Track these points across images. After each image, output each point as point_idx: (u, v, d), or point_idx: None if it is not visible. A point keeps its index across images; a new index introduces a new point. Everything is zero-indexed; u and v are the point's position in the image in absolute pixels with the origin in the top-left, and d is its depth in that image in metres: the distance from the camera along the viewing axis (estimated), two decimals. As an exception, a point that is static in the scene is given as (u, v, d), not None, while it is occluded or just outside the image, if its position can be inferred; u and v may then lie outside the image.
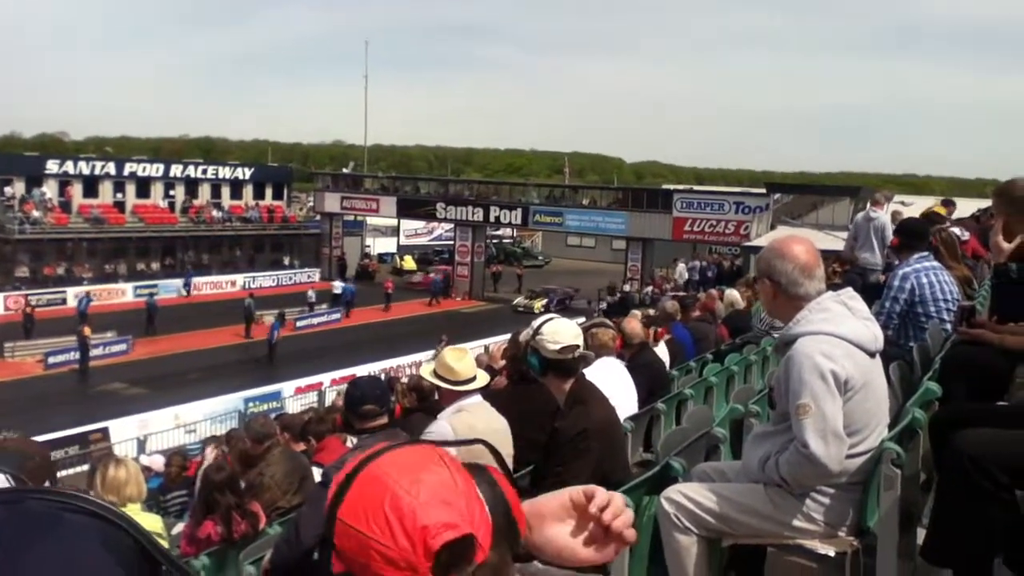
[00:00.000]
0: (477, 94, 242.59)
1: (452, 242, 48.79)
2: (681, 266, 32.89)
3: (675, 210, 39.73)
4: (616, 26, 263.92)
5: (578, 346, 4.09)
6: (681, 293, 17.92)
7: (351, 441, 5.43)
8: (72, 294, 39.07)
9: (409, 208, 49.27)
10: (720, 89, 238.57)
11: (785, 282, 2.97)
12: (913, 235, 5.92)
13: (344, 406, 4.30)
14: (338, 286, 41.98)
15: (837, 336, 2.85)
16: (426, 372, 4.77)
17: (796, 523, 2.88)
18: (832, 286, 3.15)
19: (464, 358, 4.50)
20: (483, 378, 4.65)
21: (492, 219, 45.70)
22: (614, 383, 5.16)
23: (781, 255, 2.99)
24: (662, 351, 7.71)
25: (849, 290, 3.07)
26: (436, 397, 5.16)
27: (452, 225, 48.39)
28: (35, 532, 0.70)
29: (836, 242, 19.98)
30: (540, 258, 60.02)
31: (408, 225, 57.64)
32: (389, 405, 4.31)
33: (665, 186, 61.81)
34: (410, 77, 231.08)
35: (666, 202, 40.85)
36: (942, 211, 10.81)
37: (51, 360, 28.78)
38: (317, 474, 5.20)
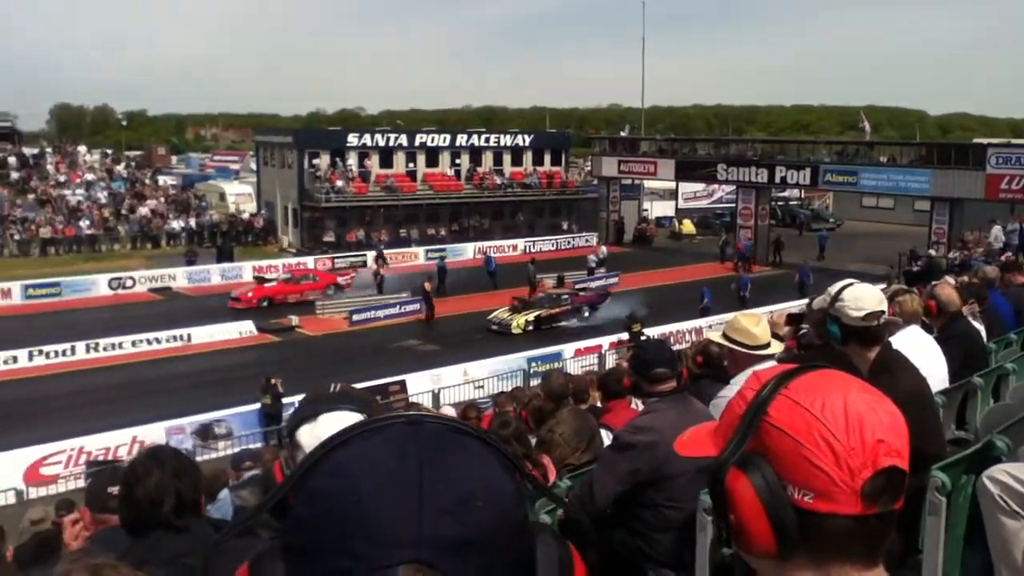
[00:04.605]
0: (760, 49, 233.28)
1: (734, 205, 47.39)
2: (997, 229, 29.53)
3: (989, 166, 35.69)
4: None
5: (883, 312, 3.80)
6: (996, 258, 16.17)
7: (636, 404, 5.42)
8: (370, 257, 42.55)
9: (688, 170, 48.35)
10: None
11: None
12: None
13: (633, 369, 4.27)
14: (603, 251, 42.22)
15: None
16: (716, 336, 4.69)
17: None
18: None
19: (761, 322, 4.40)
20: (777, 345, 4.52)
21: (778, 180, 43.67)
22: (922, 354, 4.74)
23: None
24: (977, 321, 6.98)
25: None
26: (725, 363, 5.03)
27: (734, 187, 46.99)
28: (443, 445, 0.80)
29: None
30: (831, 220, 56.64)
31: (687, 188, 56.70)
32: (678, 368, 4.22)
33: (976, 140, 56.04)
34: (688, 35, 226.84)
35: (978, 158, 36.76)
36: None
37: (355, 317, 31.46)
38: (605, 436, 5.23)
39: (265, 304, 33.20)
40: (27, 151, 53.28)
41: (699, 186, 56.02)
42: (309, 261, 41.93)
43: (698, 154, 49.49)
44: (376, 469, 0.77)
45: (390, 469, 0.77)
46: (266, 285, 35.10)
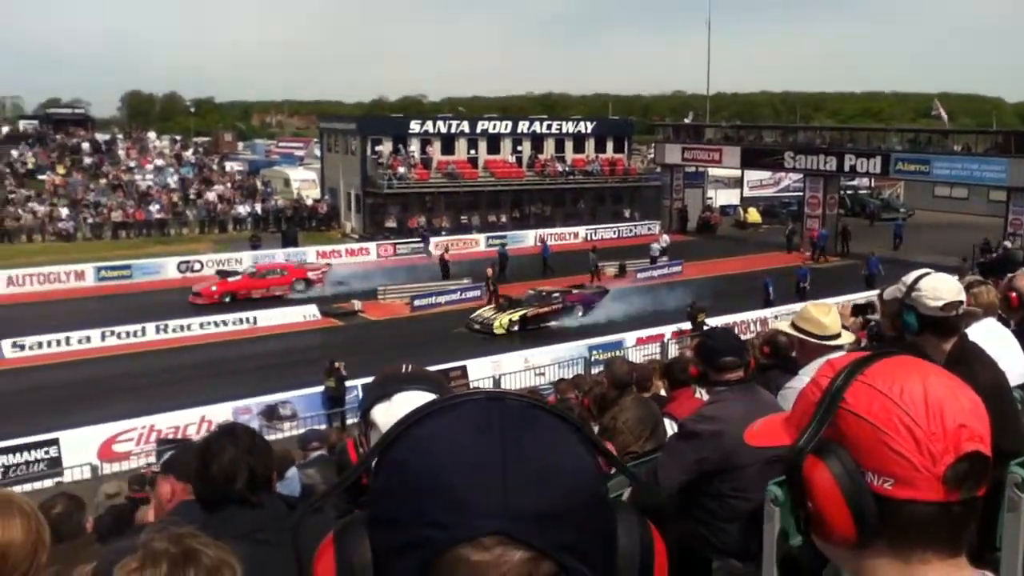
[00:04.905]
0: (829, 34, 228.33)
1: (801, 193, 46.54)
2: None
3: (1069, 155, 34.64)
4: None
5: (961, 303, 3.70)
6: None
7: (701, 393, 5.37)
8: (433, 244, 42.80)
9: (754, 158, 47.58)
10: None
11: None
12: None
13: (700, 357, 4.23)
14: (665, 239, 41.72)
15: None
16: (784, 326, 4.64)
17: None
18: None
19: (831, 312, 4.32)
20: (847, 336, 4.45)
21: (847, 168, 42.70)
22: (999, 346, 4.61)
23: None
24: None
25: None
26: (793, 353, 4.97)
27: (801, 176, 46.13)
28: (523, 420, 0.81)
29: None
30: (902, 210, 55.33)
31: (752, 176, 55.81)
32: (746, 358, 4.17)
33: (1055, 127, 54.15)
34: (755, 20, 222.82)
35: (1058, 146, 35.70)
36: None
37: (416, 303, 31.71)
38: (668, 425, 5.20)
39: (227, 300, 31.49)
40: (99, 137, 54.82)
41: (765, 174, 55.06)
42: (371, 247, 42.44)
43: (764, 141, 48.70)
44: (458, 442, 0.79)
45: (472, 442, 0.78)
46: (229, 280, 33.00)
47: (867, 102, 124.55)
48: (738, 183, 57.11)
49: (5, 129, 54.99)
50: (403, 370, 2.01)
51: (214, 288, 32.27)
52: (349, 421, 18.65)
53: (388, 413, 1.81)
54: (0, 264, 36.68)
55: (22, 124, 56.26)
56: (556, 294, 29.93)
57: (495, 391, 0.87)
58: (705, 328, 17.82)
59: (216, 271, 35.12)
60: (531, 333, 27.27)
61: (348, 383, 19.73)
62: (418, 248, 42.36)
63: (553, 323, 28.47)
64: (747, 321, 25.39)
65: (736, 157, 47.98)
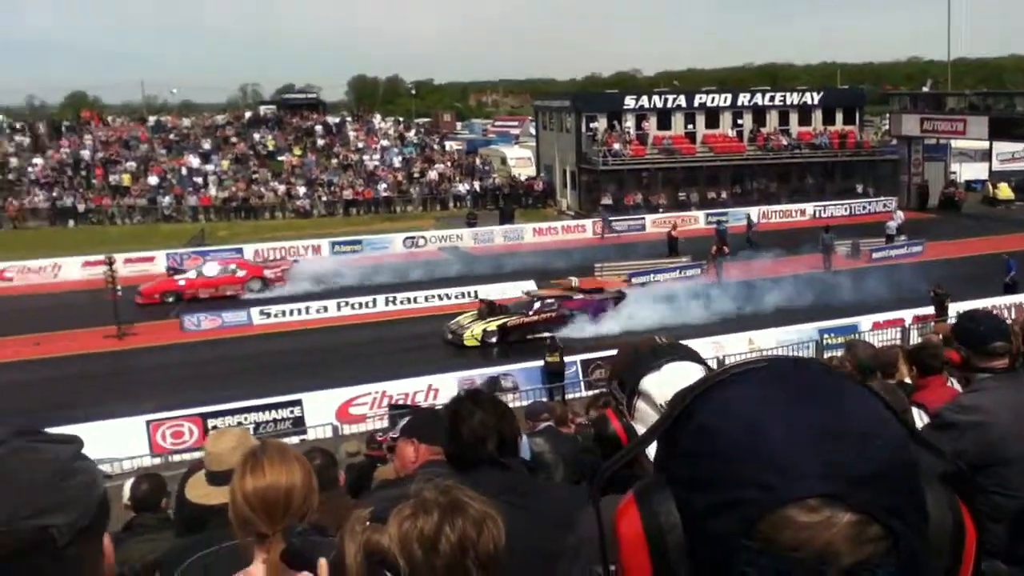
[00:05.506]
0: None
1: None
2: None
3: None
4: None
5: None
6: None
7: (952, 382, 4.96)
8: (650, 221, 42.41)
9: (1004, 128, 43.39)
10: None
11: None
12: None
13: (964, 342, 3.88)
14: (900, 216, 38.92)
15: None
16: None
17: None
18: None
19: None
20: None
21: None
22: None
23: None
24: None
25: None
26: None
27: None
28: (827, 385, 0.80)
29: None
30: None
31: (1003, 148, 51.19)
32: (1012, 343, 3.80)
33: None
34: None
35: None
36: None
37: (634, 281, 31.56)
38: (916, 415, 4.85)
39: (171, 299, 29.53)
40: (330, 120, 58.47)
41: (1018, 146, 50.42)
42: (587, 224, 42.69)
43: (1017, 110, 44.39)
44: (771, 405, 0.78)
45: (785, 405, 0.78)
46: (175, 278, 30.96)
47: None
48: (986, 156, 52.59)
49: (248, 114, 59.72)
50: (659, 342, 2.00)
51: (182, 282, 30.57)
52: (568, 396, 18.96)
53: (660, 383, 1.82)
54: (246, 239, 40.30)
55: (262, 109, 60.99)
56: (551, 300, 26.02)
57: (781, 357, 0.86)
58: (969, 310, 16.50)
59: (166, 268, 33.29)
60: (514, 345, 23.79)
61: (567, 358, 20.20)
62: (634, 226, 42.10)
63: (545, 334, 23.84)
64: (997, 307, 23.23)
65: (983, 127, 44.05)
